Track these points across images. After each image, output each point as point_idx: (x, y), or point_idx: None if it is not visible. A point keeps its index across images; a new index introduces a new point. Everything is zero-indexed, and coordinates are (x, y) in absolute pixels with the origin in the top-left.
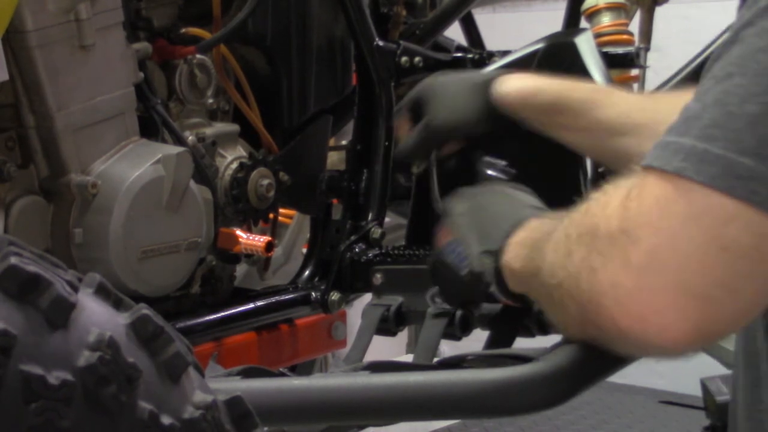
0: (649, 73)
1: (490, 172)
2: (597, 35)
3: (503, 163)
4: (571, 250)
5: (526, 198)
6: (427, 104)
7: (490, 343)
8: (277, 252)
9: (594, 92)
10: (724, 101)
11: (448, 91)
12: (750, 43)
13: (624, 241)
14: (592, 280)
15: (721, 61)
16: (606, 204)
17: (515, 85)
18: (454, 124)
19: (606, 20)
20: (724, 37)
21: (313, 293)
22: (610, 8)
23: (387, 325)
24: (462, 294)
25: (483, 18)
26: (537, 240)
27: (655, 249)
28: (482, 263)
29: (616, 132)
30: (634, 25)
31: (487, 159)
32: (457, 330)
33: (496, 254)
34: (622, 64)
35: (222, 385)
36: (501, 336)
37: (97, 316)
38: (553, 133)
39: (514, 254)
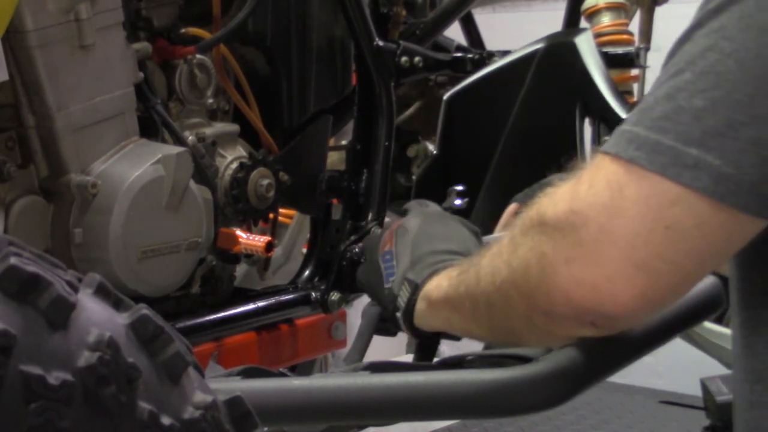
0: (649, 73)
1: (457, 202)
2: (597, 35)
3: (464, 200)
4: (517, 244)
5: (469, 242)
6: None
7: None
8: (277, 252)
9: None
10: (675, 96)
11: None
12: (699, 42)
13: (574, 220)
14: (544, 263)
15: (674, 58)
16: (553, 194)
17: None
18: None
19: (606, 20)
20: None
21: (313, 293)
22: (610, 8)
23: (387, 325)
24: (378, 302)
25: (483, 18)
26: (465, 268)
27: (605, 226)
28: (401, 288)
29: None
30: (634, 25)
31: (456, 189)
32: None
33: (416, 287)
34: (622, 64)
35: (222, 385)
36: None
37: (97, 317)
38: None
39: (435, 285)
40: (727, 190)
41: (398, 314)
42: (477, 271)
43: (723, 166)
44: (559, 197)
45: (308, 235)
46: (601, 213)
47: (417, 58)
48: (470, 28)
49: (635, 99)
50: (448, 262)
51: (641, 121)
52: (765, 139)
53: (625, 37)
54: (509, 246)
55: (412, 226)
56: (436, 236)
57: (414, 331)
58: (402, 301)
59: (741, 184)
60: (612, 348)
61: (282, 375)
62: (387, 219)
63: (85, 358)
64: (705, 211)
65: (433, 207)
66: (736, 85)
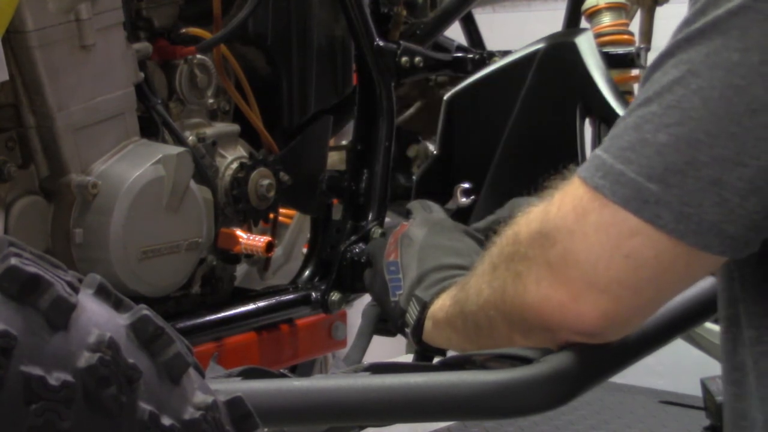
0: None
1: (463, 200)
2: (597, 35)
3: (470, 197)
4: (495, 264)
5: (475, 255)
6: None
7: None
8: (277, 252)
9: None
10: (641, 127)
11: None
12: (669, 72)
13: (543, 242)
14: (518, 283)
15: (646, 84)
16: (529, 212)
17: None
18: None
19: (606, 20)
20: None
21: (314, 293)
22: (611, 8)
23: (387, 326)
24: (384, 311)
25: (483, 18)
26: (461, 286)
27: (569, 249)
28: (409, 305)
29: None
30: (635, 25)
31: (462, 186)
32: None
33: (424, 305)
34: (623, 64)
35: (222, 385)
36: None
37: (98, 317)
38: None
39: (440, 304)
40: (688, 229)
41: (407, 330)
42: (467, 291)
43: (683, 205)
44: (533, 217)
45: (308, 235)
46: (566, 236)
47: (417, 58)
48: (471, 28)
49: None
50: (454, 278)
51: (610, 148)
52: (725, 180)
53: (625, 37)
54: (490, 266)
55: (417, 237)
56: (442, 249)
57: (423, 347)
58: (411, 318)
59: (701, 223)
60: (613, 349)
61: (283, 376)
62: (387, 219)
63: (86, 358)
64: (664, 245)
65: (437, 212)
66: (699, 124)
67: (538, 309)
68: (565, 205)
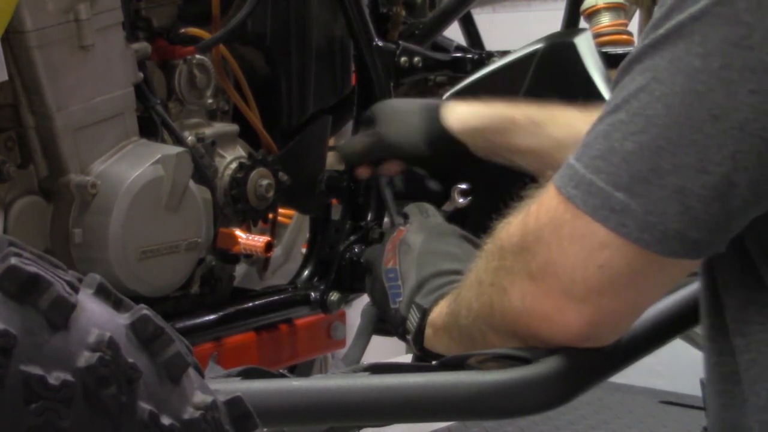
0: None
1: (461, 200)
2: (596, 35)
3: (467, 198)
4: (481, 279)
5: (472, 259)
6: (377, 121)
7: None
8: (276, 252)
9: (540, 113)
10: (610, 135)
11: (397, 112)
12: (635, 79)
13: (525, 254)
14: (504, 298)
15: (616, 89)
16: (509, 224)
17: (459, 114)
18: (397, 141)
19: (605, 20)
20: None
21: (313, 293)
22: (610, 8)
23: (386, 325)
24: (385, 318)
25: (483, 18)
26: (455, 296)
27: (548, 260)
28: (409, 312)
29: (564, 146)
30: (634, 25)
31: (459, 187)
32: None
33: (424, 312)
34: None
35: (222, 385)
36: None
37: (97, 317)
38: (501, 158)
39: (438, 311)
40: (652, 238)
41: (408, 337)
42: (459, 303)
43: (648, 214)
44: (513, 230)
45: (307, 235)
46: (544, 248)
47: (416, 59)
48: (470, 29)
49: None
50: (453, 284)
51: (582, 157)
52: (689, 188)
53: (624, 37)
54: (476, 280)
55: (414, 243)
56: (440, 255)
57: (425, 353)
58: (411, 325)
59: (666, 232)
60: (612, 350)
61: (282, 376)
62: (386, 219)
63: (86, 358)
64: (633, 255)
65: (433, 216)
66: (662, 131)
67: (526, 322)
68: (542, 217)
